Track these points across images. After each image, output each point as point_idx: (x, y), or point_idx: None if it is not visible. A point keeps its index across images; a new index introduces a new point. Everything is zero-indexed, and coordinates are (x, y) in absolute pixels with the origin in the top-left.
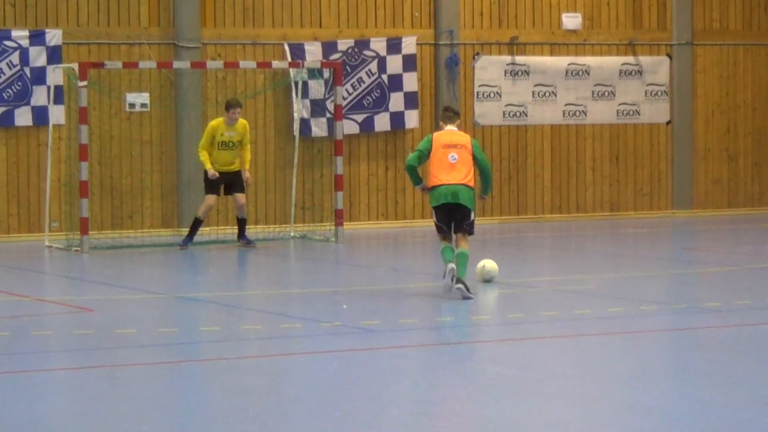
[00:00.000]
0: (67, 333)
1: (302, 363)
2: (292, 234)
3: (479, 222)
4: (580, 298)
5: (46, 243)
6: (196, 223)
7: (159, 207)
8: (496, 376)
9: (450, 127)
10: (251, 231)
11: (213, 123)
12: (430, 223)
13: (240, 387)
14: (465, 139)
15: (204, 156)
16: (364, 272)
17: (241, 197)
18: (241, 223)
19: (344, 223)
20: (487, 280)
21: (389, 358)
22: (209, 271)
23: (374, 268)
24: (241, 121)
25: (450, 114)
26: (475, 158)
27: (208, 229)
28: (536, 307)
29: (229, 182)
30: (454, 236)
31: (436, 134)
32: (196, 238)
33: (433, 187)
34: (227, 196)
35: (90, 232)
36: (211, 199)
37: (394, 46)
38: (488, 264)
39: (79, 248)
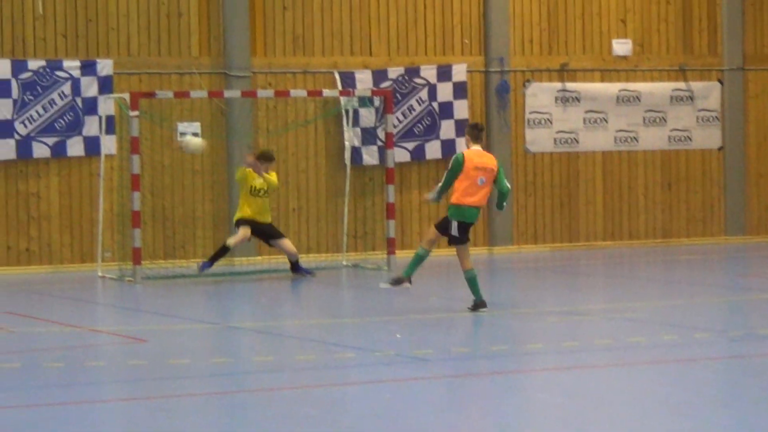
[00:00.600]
0: (120, 364)
1: (356, 392)
2: (344, 263)
3: (532, 250)
4: (633, 326)
5: (99, 273)
6: (223, 250)
7: (211, 236)
8: (548, 405)
9: (477, 147)
10: (304, 259)
11: (245, 169)
12: (482, 252)
13: (294, 417)
14: (493, 163)
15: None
16: (417, 301)
17: (285, 243)
18: (294, 265)
19: (396, 252)
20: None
21: (442, 388)
22: (262, 301)
23: (427, 297)
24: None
25: (477, 132)
26: (496, 180)
27: (260, 258)
28: (590, 335)
29: (265, 233)
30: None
31: (467, 154)
32: (243, 268)
33: (461, 205)
34: (271, 247)
35: (143, 262)
36: (246, 231)
37: (444, 73)
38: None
39: (132, 278)
